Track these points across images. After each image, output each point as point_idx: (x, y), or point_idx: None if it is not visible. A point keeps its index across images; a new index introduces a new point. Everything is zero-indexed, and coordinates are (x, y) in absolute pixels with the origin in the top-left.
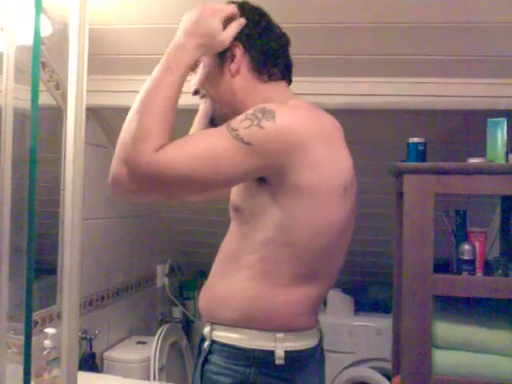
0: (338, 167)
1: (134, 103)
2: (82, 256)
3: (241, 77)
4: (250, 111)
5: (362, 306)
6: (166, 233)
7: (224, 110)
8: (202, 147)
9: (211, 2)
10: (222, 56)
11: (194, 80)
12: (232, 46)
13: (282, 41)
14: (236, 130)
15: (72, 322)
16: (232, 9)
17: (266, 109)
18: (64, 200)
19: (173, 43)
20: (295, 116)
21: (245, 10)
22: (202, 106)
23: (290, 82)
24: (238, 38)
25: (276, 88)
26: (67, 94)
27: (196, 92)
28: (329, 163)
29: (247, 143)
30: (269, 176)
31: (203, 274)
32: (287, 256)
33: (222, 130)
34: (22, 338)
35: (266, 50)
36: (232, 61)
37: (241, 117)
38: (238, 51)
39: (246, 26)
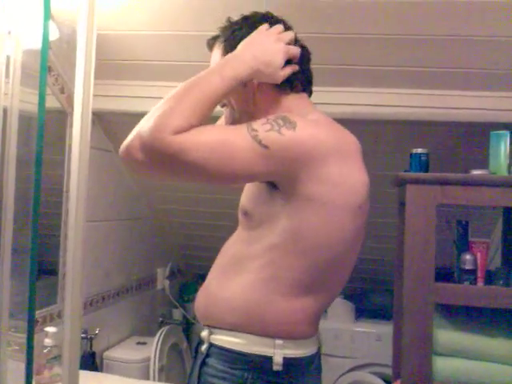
0: (353, 184)
1: (172, 91)
2: (84, 257)
3: (262, 88)
4: (271, 117)
5: (363, 312)
6: (166, 236)
7: (244, 119)
8: (221, 141)
9: (279, 31)
10: None
11: None
12: None
13: (304, 54)
14: (256, 131)
15: (74, 321)
16: (297, 51)
17: (288, 118)
18: (68, 202)
19: (233, 53)
20: (315, 130)
21: (268, 22)
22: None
23: (310, 93)
24: None
25: (297, 100)
26: (73, 97)
27: None
28: (344, 180)
29: (264, 146)
30: (279, 183)
31: (203, 277)
32: (292, 265)
33: (242, 128)
34: (23, 335)
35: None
36: None
37: (262, 120)
38: None
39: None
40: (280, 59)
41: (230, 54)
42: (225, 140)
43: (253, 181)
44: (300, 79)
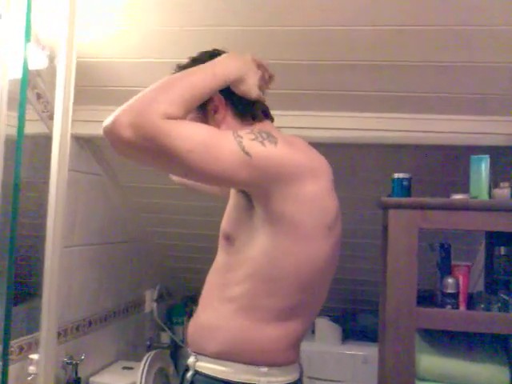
0: (324, 205)
1: (166, 78)
2: (71, 281)
3: (226, 124)
4: (255, 129)
5: (350, 334)
6: (155, 258)
7: None
8: (207, 138)
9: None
10: (205, 109)
11: None
12: (213, 96)
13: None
14: (241, 138)
15: (49, 349)
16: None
17: (270, 133)
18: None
19: (223, 56)
20: (292, 150)
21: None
22: None
23: (272, 119)
24: None
25: (264, 127)
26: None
27: None
28: (316, 200)
29: (246, 153)
30: (254, 197)
31: (192, 300)
32: (271, 291)
33: (228, 132)
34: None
35: None
36: (216, 111)
37: (247, 130)
38: (220, 101)
39: None
40: (258, 78)
41: (220, 56)
42: (211, 138)
43: (229, 185)
44: (259, 107)
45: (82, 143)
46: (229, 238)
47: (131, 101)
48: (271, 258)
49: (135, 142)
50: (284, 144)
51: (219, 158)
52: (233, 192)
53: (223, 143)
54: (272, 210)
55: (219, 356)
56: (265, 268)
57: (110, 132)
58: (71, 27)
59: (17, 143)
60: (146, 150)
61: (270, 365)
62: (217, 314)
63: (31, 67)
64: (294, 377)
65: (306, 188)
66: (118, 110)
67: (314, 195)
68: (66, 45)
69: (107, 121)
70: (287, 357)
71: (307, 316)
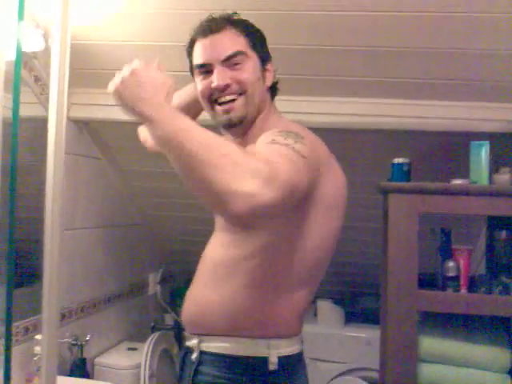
0: (341, 181)
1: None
2: (75, 264)
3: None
4: (281, 130)
5: (353, 316)
6: (158, 241)
7: (249, 115)
8: (293, 159)
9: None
10: (264, 66)
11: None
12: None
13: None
14: (288, 145)
15: (51, 331)
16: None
17: (292, 130)
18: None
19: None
20: (311, 139)
21: (252, 27)
22: (192, 87)
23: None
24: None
25: (273, 105)
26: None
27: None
28: (336, 178)
29: (303, 156)
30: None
31: None
32: (285, 263)
33: (281, 145)
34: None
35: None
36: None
37: (278, 134)
38: (271, 66)
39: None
40: (156, 74)
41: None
42: (293, 157)
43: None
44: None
45: (81, 126)
46: None
47: (217, 187)
48: (293, 234)
49: (280, 207)
50: (306, 136)
51: (300, 170)
52: None
53: (295, 159)
54: (313, 195)
55: (227, 333)
56: (283, 242)
57: (252, 217)
58: (65, 7)
59: (12, 125)
60: (287, 204)
61: (279, 337)
62: (223, 291)
63: (28, 49)
64: (299, 347)
65: (330, 170)
66: (251, 191)
67: (334, 175)
68: (59, 26)
69: (247, 206)
70: (294, 328)
71: (313, 286)
